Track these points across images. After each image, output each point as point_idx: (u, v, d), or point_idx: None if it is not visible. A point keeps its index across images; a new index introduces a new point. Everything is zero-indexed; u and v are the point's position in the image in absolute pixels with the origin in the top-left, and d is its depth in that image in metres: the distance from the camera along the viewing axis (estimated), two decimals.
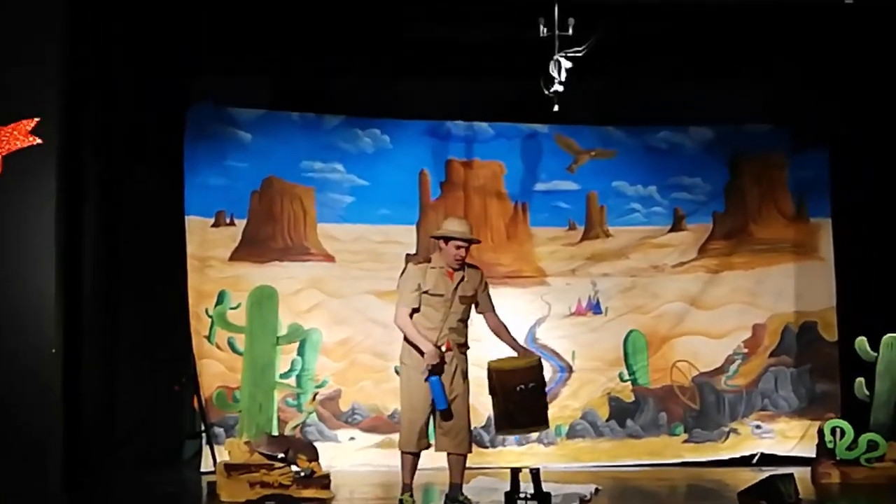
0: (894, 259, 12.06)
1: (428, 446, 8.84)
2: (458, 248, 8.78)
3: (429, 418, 8.79)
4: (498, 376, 8.43)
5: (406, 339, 8.84)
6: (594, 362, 12.46)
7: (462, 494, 8.63)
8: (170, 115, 11.64)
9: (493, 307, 9.11)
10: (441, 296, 8.81)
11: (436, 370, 8.58)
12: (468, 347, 9.13)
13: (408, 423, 8.78)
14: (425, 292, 8.80)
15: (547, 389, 11.91)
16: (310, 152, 12.16)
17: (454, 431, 8.67)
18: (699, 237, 12.72)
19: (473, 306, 9.10)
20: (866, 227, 12.36)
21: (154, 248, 11.57)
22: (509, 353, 9.21)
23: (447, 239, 8.89)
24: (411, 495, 8.72)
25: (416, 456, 8.78)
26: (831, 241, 12.67)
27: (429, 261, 8.90)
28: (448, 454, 8.81)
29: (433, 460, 9.25)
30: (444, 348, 8.70)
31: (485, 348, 12.13)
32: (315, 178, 12.17)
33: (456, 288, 8.81)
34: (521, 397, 8.18)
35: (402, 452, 8.82)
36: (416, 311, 8.86)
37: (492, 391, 8.51)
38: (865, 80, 12.10)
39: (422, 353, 8.64)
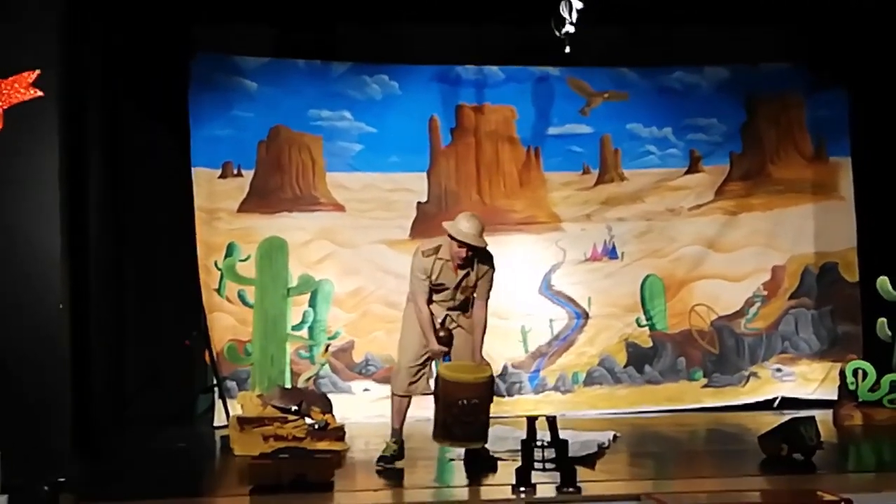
0: None
1: (419, 392, 8.77)
2: (461, 247, 8.57)
3: (424, 364, 8.72)
4: (443, 385, 8.37)
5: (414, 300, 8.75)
6: (611, 308, 12.46)
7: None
8: (174, 66, 11.57)
9: (486, 296, 8.85)
10: (445, 288, 8.70)
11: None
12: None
13: (399, 366, 8.78)
14: (432, 281, 8.67)
15: (563, 336, 12.17)
16: (317, 100, 12.11)
17: None
18: (716, 179, 12.67)
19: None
20: (887, 166, 12.27)
21: (161, 201, 11.54)
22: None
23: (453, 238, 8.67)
24: (396, 441, 8.66)
25: (406, 399, 8.75)
26: (851, 180, 12.62)
27: (437, 251, 8.69)
28: None
29: None
30: (443, 333, 8.64)
31: (499, 296, 12.21)
32: (323, 126, 12.13)
33: (460, 282, 8.67)
34: (461, 411, 8.15)
35: (392, 394, 8.82)
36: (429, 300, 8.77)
37: (435, 396, 8.47)
38: (883, 14, 11.94)
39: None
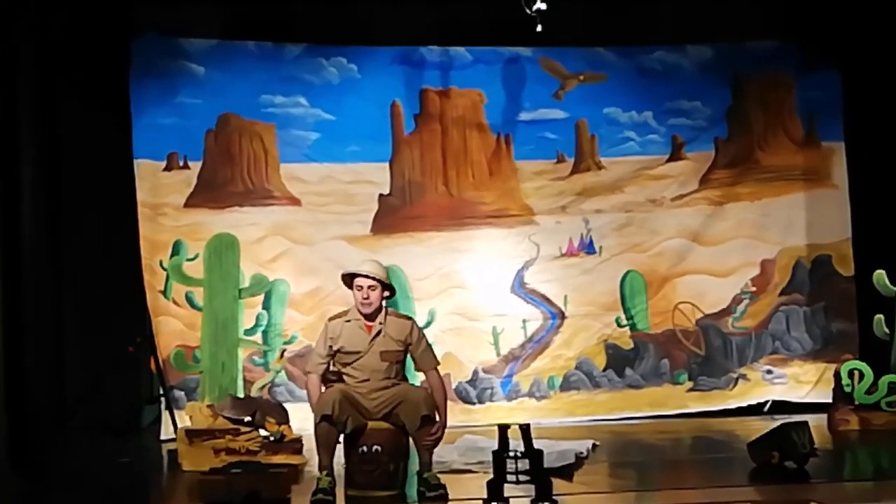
0: None
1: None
2: (360, 289, 8.24)
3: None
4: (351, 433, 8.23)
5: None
6: (588, 307, 12.48)
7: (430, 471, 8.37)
8: (113, 48, 11.52)
9: (435, 364, 8.44)
10: (357, 353, 8.27)
11: None
12: None
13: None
14: (339, 351, 8.27)
15: (538, 338, 12.19)
16: (269, 85, 12.08)
17: None
18: (700, 166, 12.72)
19: (413, 364, 8.52)
20: (883, 150, 12.33)
21: (100, 196, 11.49)
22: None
23: (352, 278, 8.35)
24: (328, 475, 8.25)
25: (332, 433, 8.17)
26: (845, 166, 12.68)
27: (345, 313, 8.37)
28: None
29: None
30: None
31: (468, 296, 12.24)
32: (276, 113, 12.11)
33: (372, 341, 8.27)
34: (360, 459, 8.09)
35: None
36: (338, 377, 8.35)
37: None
38: None
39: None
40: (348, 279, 8.39)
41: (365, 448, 8.07)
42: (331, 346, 8.27)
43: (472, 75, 12.48)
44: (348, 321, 8.32)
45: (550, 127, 12.60)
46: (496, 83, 12.52)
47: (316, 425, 8.06)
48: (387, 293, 8.38)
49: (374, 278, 8.27)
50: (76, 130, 11.45)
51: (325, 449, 8.09)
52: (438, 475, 8.16)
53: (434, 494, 7.96)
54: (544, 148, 12.60)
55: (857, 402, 11.11)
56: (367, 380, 8.26)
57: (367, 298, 8.25)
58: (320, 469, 8.07)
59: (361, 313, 8.29)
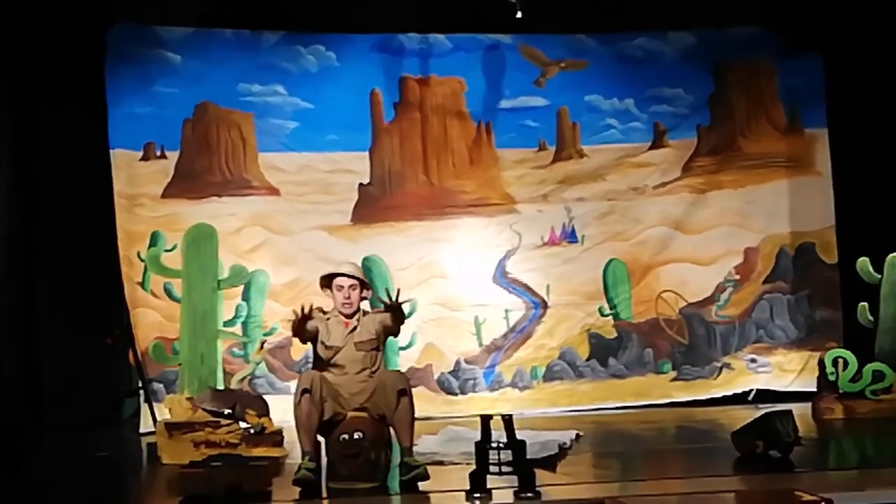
0: None
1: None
2: (340, 289, 8.37)
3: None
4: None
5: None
6: (571, 296, 12.51)
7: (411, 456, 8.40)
8: (88, 37, 11.48)
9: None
10: (337, 348, 8.37)
11: None
12: None
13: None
14: (322, 342, 8.36)
15: (520, 328, 12.20)
16: (247, 74, 12.08)
17: None
18: (682, 154, 12.74)
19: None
20: (866, 137, 12.35)
21: (77, 187, 11.45)
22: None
23: (329, 279, 8.47)
24: (311, 459, 8.35)
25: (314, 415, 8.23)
26: (828, 153, 12.71)
27: (323, 312, 8.47)
28: None
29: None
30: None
31: (450, 286, 12.24)
32: (254, 102, 12.11)
33: (350, 335, 8.38)
34: (342, 447, 8.08)
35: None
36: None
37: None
38: None
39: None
40: (327, 281, 8.47)
41: (346, 435, 8.06)
42: (316, 329, 8.30)
43: (451, 63, 12.48)
44: (328, 319, 8.39)
45: (531, 115, 12.62)
46: (476, 71, 12.53)
47: (296, 406, 8.06)
48: (365, 293, 8.49)
49: (354, 277, 8.38)
50: (52, 120, 11.41)
51: (306, 431, 8.09)
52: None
53: (414, 474, 7.95)
54: (525, 136, 12.61)
55: (841, 391, 11.13)
56: (346, 373, 8.30)
57: (349, 298, 8.36)
58: (303, 456, 8.08)
59: (342, 314, 8.38)
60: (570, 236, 12.55)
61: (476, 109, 12.53)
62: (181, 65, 11.90)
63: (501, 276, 12.36)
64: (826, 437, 10.33)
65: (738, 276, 12.67)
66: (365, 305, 8.55)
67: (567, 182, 12.60)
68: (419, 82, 12.44)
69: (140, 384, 11.18)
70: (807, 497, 6.79)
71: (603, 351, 12.46)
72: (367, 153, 12.31)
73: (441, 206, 12.38)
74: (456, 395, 12.00)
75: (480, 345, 12.29)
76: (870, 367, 11.17)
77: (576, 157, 12.66)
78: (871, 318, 11.58)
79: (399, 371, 8.54)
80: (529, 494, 7.41)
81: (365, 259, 11.98)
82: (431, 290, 12.20)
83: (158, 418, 10.49)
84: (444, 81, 12.51)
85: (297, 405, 8.09)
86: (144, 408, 11.11)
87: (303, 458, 8.06)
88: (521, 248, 12.47)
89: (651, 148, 12.74)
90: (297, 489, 7.93)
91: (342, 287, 8.38)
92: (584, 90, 12.66)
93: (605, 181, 12.67)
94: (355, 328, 8.38)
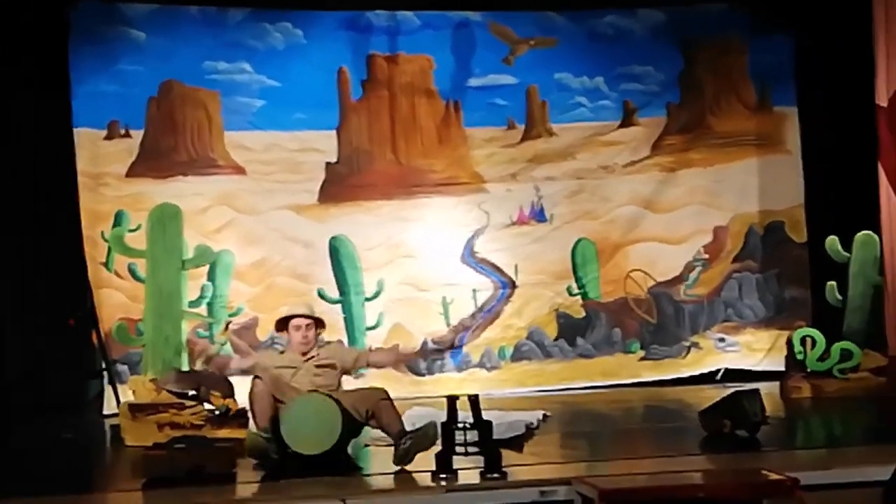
0: (865, 150, 12.10)
1: None
2: (298, 328, 8.68)
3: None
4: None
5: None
6: (539, 276, 12.52)
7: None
8: (51, 15, 11.40)
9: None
10: (294, 367, 8.66)
11: None
12: None
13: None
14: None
15: (488, 308, 12.23)
16: (213, 51, 12.02)
17: None
18: (652, 132, 12.76)
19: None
20: (836, 115, 12.38)
21: (39, 166, 11.42)
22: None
23: (285, 321, 8.76)
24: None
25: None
26: (798, 131, 12.74)
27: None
28: None
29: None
30: None
31: (418, 265, 12.23)
32: (220, 80, 12.05)
33: (307, 360, 8.66)
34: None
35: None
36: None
37: None
38: None
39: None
40: (283, 323, 8.78)
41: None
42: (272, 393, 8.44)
43: (420, 40, 12.45)
44: (284, 365, 8.67)
45: (500, 93, 12.60)
46: (445, 48, 12.50)
47: (250, 392, 8.39)
48: (320, 330, 8.84)
49: (310, 317, 8.72)
50: (15, 99, 11.35)
51: (261, 410, 8.36)
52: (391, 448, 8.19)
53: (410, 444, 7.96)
54: (494, 114, 12.60)
55: (809, 370, 11.21)
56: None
57: (306, 337, 8.67)
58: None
59: (301, 353, 8.69)
60: (539, 215, 12.55)
61: (445, 87, 12.51)
62: (146, 42, 11.83)
63: (470, 256, 12.36)
64: (794, 416, 10.40)
65: (707, 256, 12.70)
66: None
67: (536, 161, 12.60)
68: (387, 60, 12.40)
69: (104, 365, 11.15)
70: (774, 476, 6.81)
71: (571, 331, 12.48)
72: (334, 132, 12.27)
73: (409, 185, 12.36)
74: (423, 375, 12.00)
75: (448, 325, 12.28)
76: (838, 346, 11.24)
77: (545, 136, 12.65)
78: (839, 297, 11.64)
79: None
80: (496, 475, 7.42)
81: (333, 239, 12.00)
82: (399, 269, 12.19)
83: (122, 400, 10.45)
84: (413, 59, 12.48)
85: (250, 391, 8.37)
86: (108, 389, 11.11)
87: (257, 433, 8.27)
88: (489, 228, 12.46)
89: (621, 126, 12.74)
90: (262, 472, 7.94)
91: (300, 327, 8.68)
92: (554, 68, 12.64)
93: (575, 160, 12.66)
94: (312, 357, 8.67)
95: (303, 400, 8.07)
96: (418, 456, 7.94)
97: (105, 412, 11.05)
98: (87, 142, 11.57)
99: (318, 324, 8.84)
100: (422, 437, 7.97)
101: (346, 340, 11.76)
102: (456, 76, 12.56)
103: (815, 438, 9.83)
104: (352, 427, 8.24)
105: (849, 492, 7.12)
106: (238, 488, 7.73)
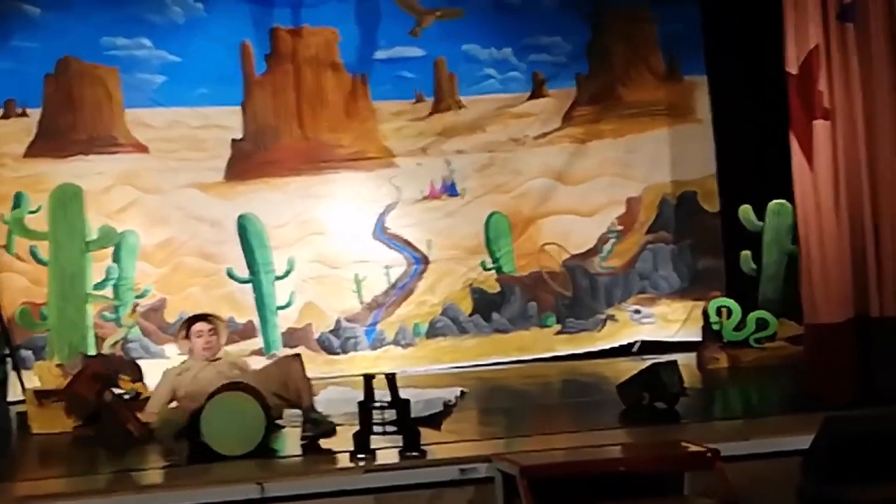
0: (777, 118, 12.22)
1: None
2: (200, 334, 8.57)
3: None
4: None
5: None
6: (452, 251, 12.53)
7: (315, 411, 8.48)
8: None
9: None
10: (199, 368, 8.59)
11: None
12: None
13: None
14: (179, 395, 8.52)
15: (401, 285, 12.22)
16: (111, 26, 11.88)
17: None
18: (562, 104, 12.79)
19: None
20: (745, 84, 12.47)
21: None
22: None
23: (186, 327, 8.68)
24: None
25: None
26: (708, 100, 12.84)
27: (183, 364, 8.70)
28: None
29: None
30: None
31: (329, 242, 12.19)
32: (119, 56, 11.92)
33: (212, 363, 8.58)
34: None
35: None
36: None
37: None
38: None
39: None
40: (185, 330, 8.66)
41: None
42: (174, 393, 8.46)
43: (324, 13, 12.39)
44: (187, 369, 8.54)
45: (407, 65, 12.58)
46: (350, 21, 12.46)
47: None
48: (223, 338, 8.76)
49: (212, 322, 8.65)
50: None
51: (156, 399, 8.51)
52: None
53: (323, 430, 8.01)
54: (402, 87, 12.58)
55: (725, 340, 11.32)
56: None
57: (209, 343, 8.57)
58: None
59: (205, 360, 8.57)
60: (451, 189, 12.56)
61: (350, 61, 12.46)
62: (40, 17, 11.68)
63: (381, 232, 12.33)
64: (711, 387, 10.48)
65: (620, 227, 12.77)
66: None
67: (446, 134, 12.59)
68: (291, 33, 12.32)
69: (7, 351, 11.01)
70: (693, 448, 6.88)
71: (486, 306, 12.51)
72: (239, 107, 12.19)
73: (317, 160, 12.30)
74: (337, 354, 11.98)
75: (361, 303, 12.26)
76: (753, 316, 11.37)
77: (454, 109, 12.65)
78: (753, 266, 11.77)
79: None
80: (415, 454, 7.42)
81: (240, 217, 11.92)
82: (310, 247, 12.14)
83: (27, 386, 10.34)
84: (317, 32, 12.41)
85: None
86: (12, 375, 10.95)
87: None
88: (400, 203, 12.44)
89: (530, 98, 12.77)
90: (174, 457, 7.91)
91: (202, 333, 8.57)
92: (461, 40, 12.63)
93: (485, 133, 12.67)
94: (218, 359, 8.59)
95: (221, 402, 7.92)
96: (337, 435, 7.97)
97: (10, 399, 10.87)
98: None
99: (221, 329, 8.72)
100: (324, 426, 8.04)
101: (256, 321, 11.72)
102: (362, 49, 12.52)
103: (734, 409, 9.93)
104: (275, 418, 8.24)
105: (768, 462, 7.20)
106: (150, 474, 7.64)
